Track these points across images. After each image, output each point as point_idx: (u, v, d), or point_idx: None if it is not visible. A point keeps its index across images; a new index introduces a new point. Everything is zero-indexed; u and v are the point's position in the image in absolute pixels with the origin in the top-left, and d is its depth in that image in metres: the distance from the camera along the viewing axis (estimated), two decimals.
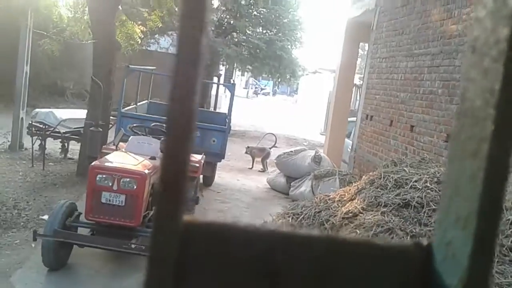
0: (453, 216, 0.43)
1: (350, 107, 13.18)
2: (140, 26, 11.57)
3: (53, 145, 9.28)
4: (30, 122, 9.03)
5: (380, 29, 8.87)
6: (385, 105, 8.09)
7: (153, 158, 5.48)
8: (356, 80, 14.30)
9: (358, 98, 14.79)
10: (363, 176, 4.91)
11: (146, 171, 4.98)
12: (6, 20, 11.08)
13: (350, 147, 9.81)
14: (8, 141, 9.41)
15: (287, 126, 20.77)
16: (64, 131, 8.91)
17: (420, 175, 3.94)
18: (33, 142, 8.57)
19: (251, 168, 11.22)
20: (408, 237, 3.28)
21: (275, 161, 9.71)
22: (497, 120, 0.38)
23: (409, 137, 6.92)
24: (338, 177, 7.84)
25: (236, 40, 18.87)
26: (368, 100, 9.01)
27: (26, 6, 9.39)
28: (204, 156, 7.07)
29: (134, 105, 9.39)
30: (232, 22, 18.33)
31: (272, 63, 19.05)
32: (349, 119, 11.27)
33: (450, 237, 0.44)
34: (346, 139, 10.84)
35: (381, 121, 8.15)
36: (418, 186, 3.74)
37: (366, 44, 11.36)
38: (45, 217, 5.32)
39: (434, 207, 3.48)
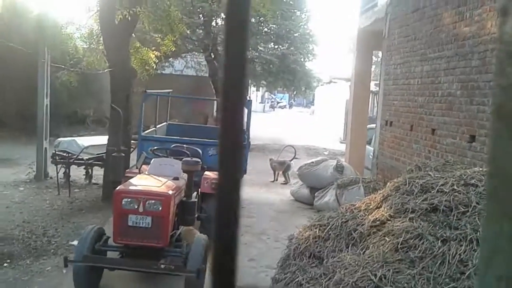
0: (494, 275, 0.43)
1: (368, 113, 13.12)
2: (154, 51, 11.77)
3: (77, 172, 9.45)
4: (54, 151, 9.22)
5: (392, 36, 8.86)
6: (404, 110, 8.04)
7: (176, 178, 5.53)
8: (372, 87, 14.24)
9: (375, 104, 14.72)
10: (388, 183, 4.86)
11: (170, 192, 5.03)
12: (24, 57, 11.42)
13: (371, 154, 9.74)
14: (34, 171, 9.61)
15: (306, 137, 20.74)
16: (87, 157, 9.07)
17: (446, 178, 3.89)
18: (58, 170, 8.74)
19: (273, 181, 11.22)
20: (439, 241, 3.23)
21: (297, 172, 9.69)
22: None
23: (431, 140, 6.85)
24: (362, 184, 7.79)
25: (249, 57, 19.00)
26: (386, 106, 8.97)
27: (42, 43, 9.67)
28: None
29: (154, 128, 9.51)
30: None
31: (286, 76, 19.12)
32: (369, 126, 11.21)
33: None
34: (367, 146, 10.77)
35: (401, 126, 8.09)
36: (445, 190, 3.69)
37: (380, 52, 11.35)
38: (75, 242, 5.40)
39: (463, 210, 3.43)
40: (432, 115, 6.88)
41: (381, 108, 9.29)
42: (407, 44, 8.04)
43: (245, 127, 6.72)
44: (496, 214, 0.43)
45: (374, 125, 10.03)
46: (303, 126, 26.93)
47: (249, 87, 24.64)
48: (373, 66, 15.45)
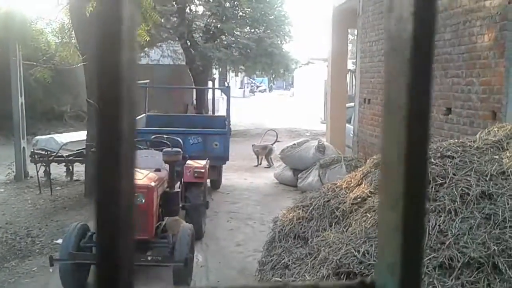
0: (384, 262, 0.45)
1: (347, 92, 13.18)
2: None
3: (58, 170, 9.33)
4: (32, 150, 9.06)
5: (366, 14, 8.87)
6: (381, 87, 8.08)
7: (158, 170, 5.52)
8: (350, 66, 14.29)
9: (354, 83, 14.78)
10: (368, 160, 4.92)
11: (153, 184, 5.02)
12: None
13: (352, 132, 9.82)
14: (13, 172, 9.47)
15: (287, 119, 20.79)
16: (66, 154, 8.96)
17: None
18: (38, 169, 8.61)
19: (257, 166, 11.26)
20: None
21: (279, 155, 9.73)
22: (408, 176, 0.41)
23: None
24: (344, 163, 7.86)
25: (226, 42, 18.87)
26: (364, 84, 9.02)
27: (12, 40, 9.44)
28: (208, 161, 7.10)
29: None
30: (219, 25, 18.32)
31: (264, 60, 19.04)
32: (348, 104, 11.28)
33: (384, 281, 0.45)
34: (347, 125, 10.85)
35: (380, 103, 8.15)
36: None
37: (355, 30, 11.37)
38: (59, 241, 5.36)
39: (440, 181, 3.49)
40: None
41: (359, 86, 9.34)
42: (381, 21, 8.06)
43: (225, 114, 6.71)
44: (383, 204, 0.45)
45: (353, 104, 10.09)
46: (284, 109, 26.96)
47: (227, 72, 24.53)
48: (350, 45, 15.46)
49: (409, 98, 0.41)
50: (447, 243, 2.89)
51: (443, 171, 3.52)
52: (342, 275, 2.95)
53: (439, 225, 3.07)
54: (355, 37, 15.62)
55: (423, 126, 0.41)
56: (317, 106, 22.47)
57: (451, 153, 3.68)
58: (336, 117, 11.30)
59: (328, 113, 12.24)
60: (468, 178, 3.34)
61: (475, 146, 3.77)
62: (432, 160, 3.63)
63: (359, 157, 8.41)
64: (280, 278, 3.74)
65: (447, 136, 5.45)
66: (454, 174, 3.43)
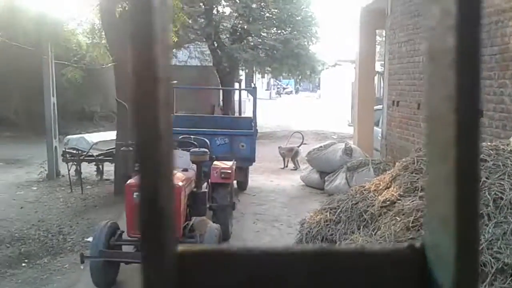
0: (436, 219, 0.44)
1: (375, 94, 13.05)
2: None
3: (88, 169, 9.53)
4: (64, 150, 9.29)
5: (395, 14, 8.76)
6: (411, 89, 7.98)
7: (185, 170, 5.56)
8: (378, 67, 14.13)
9: (382, 85, 14.62)
10: (396, 163, 4.86)
11: (181, 184, 5.06)
12: (28, 55, 11.45)
13: (380, 135, 9.71)
14: (45, 170, 9.70)
15: (314, 121, 20.69)
16: (97, 154, 9.14)
17: None
18: (69, 168, 8.82)
19: (283, 168, 11.25)
20: None
21: (306, 158, 9.69)
22: (459, 124, 0.39)
23: None
24: (372, 166, 7.78)
25: (252, 43, 18.92)
26: (392, 86, 8.91)
27: (45, 40, 9.68)
28: (235, 162, 7.13)
29: None
30: (245, 26, 18.38)
31: (291, 62, 19.00)
32: (376, 107, 11.15)
33: (436, 240, 0.44)
34: (375, 128, 10.73)
35: (409, 106, 8.04)
36: None
37: (383, 31, 11.24)
38: (90, 239, 5.47)
39: None
40: None
41: (387, 88, 9.23)
42: (411, 21, 7.94)
43: (251, 115, 6.72)
44: (432, 156, 0.44)
45: (381, 106, 9.98)
46: (310, 111, 26.84)
47: (253, 74, 24.57)
48: (378, 47, 15.30)
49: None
50: (480, 248, 2.83)
51: None
52: None
53: None
54: (383, 38, 15.44)
55: (473, 71, 0.40)
56: (344, 108, 22.28)
57: (483, 156, 3.60)
58: (364, 120, 11.19)
59: (355, 115, 12.13)
60: (502, 182, 3.26)
61: (509, 149, 3.68)
62: None
63: (387, 160, 8.30)
64: None
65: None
66: (487, 178, 3.35)
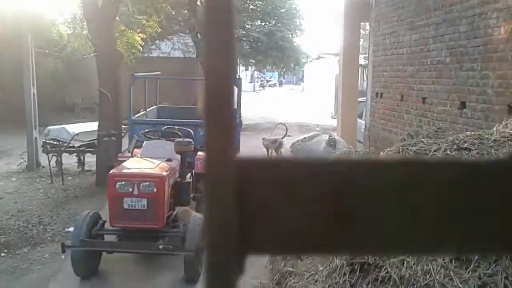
0: None
1: (359, 87, 13.10)
2: (140, 33, 11.59)
3: (69, 160, 9.39)
4: (44, 140, 9.14)
5: (379, 6, 8.78)
6: (394, 81, 8.02)
7: (169, 160, 5.52)
8: (361, 60, 14.19)
9: (365, 78, 14.71)
10: (381, 153, 4.88)
11: (165, 173, 5.03)
12: (7, 45, 11.20)
13: (363, 127, 9.76)
14: (25, 161, 9.54)
15: (298, 114, 20.73)
16: (78, 145, 9.01)
17: (439, 144, 3.89)
18: (50, 159, 8.67)
19: None
20: None
21: (289, 149, 9.69)
22: None
23: (422, 109, 6.86)
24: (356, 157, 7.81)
25: (236, 35, 18.83)
26: (376, 78, 8.95)
27: (25, 29, 9.47)
28: None
29: (144, 112, 9.43)
30: None
31: (275, 54, 18.99)
32: (359, 99, 11.21)
33: None
34: (359, 120, 10.79)
35: (392, 97, 8.08)
36: (439, 155, 3.70)
37: (367, 24, 11.28)
38: (71, 229, 5.39)
39: None
40: (422, 83, 6.88)
41: (371, 80, 9.27)
42: (395, 13, 7.97)
43: (236, 107, 6.64)
44: None
45: (364, 98, 10.02)
46: (294, 103, 26.89)
47: (237, 65, 24.48)
48: (361, 40, 15.35)
49: None
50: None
51: None
52: (356, 266, 2.92)
53: None
54: (366, 32, 15.49)
55: None
56: (328, 100, 22.37)
57: (468, 145, 3.63)
58: (348, 112, 11.23)
59: (339, 107, 12.17)
60: None
61: (492, 138, 3.72)
62: (449, 152, 3.59)
63: (371, 152, 8.35)
64: (292, 268, 3.73)
65: (462, 130, 5.38)
66: None
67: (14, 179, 8.81)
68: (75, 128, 9.72)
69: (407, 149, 4.15)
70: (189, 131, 6.81)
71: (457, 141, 3.73)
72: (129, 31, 11.06)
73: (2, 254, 5.31)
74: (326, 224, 0.47)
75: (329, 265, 3.12)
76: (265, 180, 0.46)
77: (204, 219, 0.45)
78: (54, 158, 8.88)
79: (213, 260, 0.44)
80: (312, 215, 0.46)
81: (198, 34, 17.84)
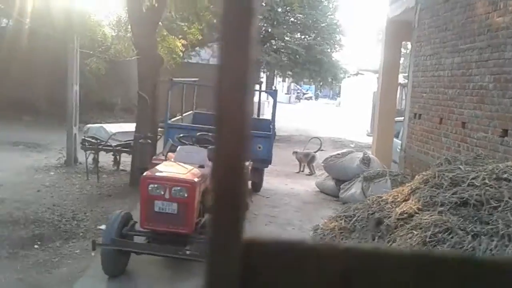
0: None
1: (396, 106, 12.93)
2: (181, 39, 11.81)
3: (105, 158, 9.61)
4: (83, 138, 9.40)
5: (422, 27, 8.68)
6: (433, 103, 7.89)
7: (201, 166, 5.54)
8: (401, 79, 14.01)
9: (403, 97, 14.51)
10: (416, 176, 4.80)
11: (196, 180, 5.06)
12: (54, 44, 11.62)
13: (399, 147, 9.61)
14: (64, 157, 9.82)
15: (332, 129, 20.59)
16: (115, 144, 9.21)
17: (477, 172, 3.80)
18: (87, 156, 8.91)
19: (298, 172, 11.22)
20: (469, 236, 3.17)
21: (322, 164, 9.63)
22: None
23: (461, 134, 6.71)
24: (389, 178, 7.70)
25: (275, 47, 18.93)
26: (415, 99, 8.82)
27: (71, 29, 9.80)
28: (251, 163, 7.13)
29: (180, 116, 9.58)
30: (270, 29, 18.40)
31: (313, 67, 18.96)
32: (396, 118, 11.05)
33: None
34: (395, 139, 10.63)
35: (430, 119, 7.94)
36: (476, 184, 3.61)
37: (409, 43, 11.15)
38: (103, 227, 5.51)
39: (494, 204, 3.35)
40: (463, 108, 6.73)
41: (410, 100, 9.14)
42: (438, 34, 7.86)
43: (271, 118, 6.67)
44: None
45: (402, 118, 9.88)
46: (329, 118, 26.72)
47: (274, 77, 24.57)
48: (402, 58, 15.17)
49: None
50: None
51: (498, 193, 3.38)
52: None
53: (490, 250, 2.95)
54: (407, 50, 15.29)
55: None
56: (364, 118, 22.14)
57: (507, 175, 3.53)
58: (384, 131, 11.09)
59: (375, 126, 12.03)
60: None
61: None
62: (487, 182, 3.50)
63: (406, 173, 8.21)
64: None
65: (502, 159, 5.23)
66: (510, 198, 3.29)
67: (52, 173, 9.08)
68: (113, 127, 9.95)
69: (444, 174, 4.07)
70: None
71: (497, 171, 3.64)
72: (171, 36, 11.29)
73: (35, 246, 5.47)
74: None
75: None
76: (272, 264, 0.44)
77: None
78: (91, 156, 9.12)
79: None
80: None
81: None
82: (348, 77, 24.55)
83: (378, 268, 0.43)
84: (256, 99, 19.52)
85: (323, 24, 19.62)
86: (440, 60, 7.68)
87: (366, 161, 8.82)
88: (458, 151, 6.58)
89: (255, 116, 17.97)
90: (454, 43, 7.17)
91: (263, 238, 0.45)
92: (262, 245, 0.44)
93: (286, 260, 0.44)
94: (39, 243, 5.55)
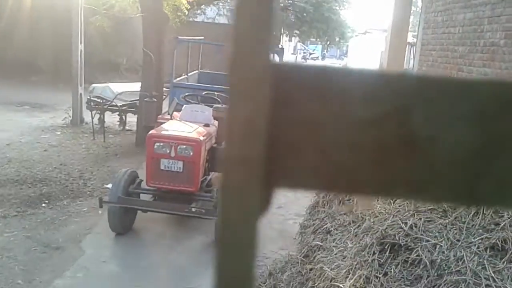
0: None
1: (405, 66, 12.72)
2: None
3: (111, 118, 9.63)
4: (89, 97, 9.39)
5: None
6: (442, 61, 7.73)
7: (207, 125, 5.55)
8: (410, 38, 13.71)
9: (412, 57, 14.24)
10: None
11: (201, 138, 5.07)
12: (57, 1, 11.42)
13: None
14: (70, 117, 9.84)
15: None
16: (120, 104, 9.20)
17: None
18: (93, 116, 8.93)
19: None
20: None
21: None
22: None
23: None
24: None
25: (282, 4, 18.51)
26: (424, 57, 8.65)
27: None
28: None
29: (185, 76, 9.49)
30: None
31: (320, 26, 18.60)
32: None
33: None
34: None
35: None
36: None
37: (419, 0, 10.83)
38: (109, 185, 5.56)
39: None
40: (472, 65, 6.60)
41: (418, 59, 8.97)
42: None
43: None
44: None
45: None
46: None
47: (280, 36, 24.17)
48: (411, 17, 14.81)
49: None
50: (502, 224, 2.77)
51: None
52: (387, 245, 2.90)
53: None
54: (418, 8, 14.89)
55: None
56: None
57: None
58: None
59: None
60: None
61: None
62: None
63: None
64: (321, 242, 3.74)
65: None
66: None
67: (59, 132, 9.13)
68: (118, 87, 9.91)
69: None
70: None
71: None
72: None
73: (43, 205, 5.55)
74: (385, 153, 0.37)
75: (358, 242, 3.11)
76: (306, 90, 0.37)
77: (226, 130, 0.37)
78: (97, 116, 9.13)
79: (230, 194, 0.36)
80: (368, 140, 0.37)
81: None
82: (355, 36, 24.11)
83: (445, 96, 0.36)
84: None
85: None
86: (452, 16, 7.47)
87: None
88: None
89: None
90: None
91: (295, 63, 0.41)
92: (295, 68, 0.39)
93: (326, 85, 0.38)
94: (46, 201, 5.64)
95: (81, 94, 9.97)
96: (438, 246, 2.59)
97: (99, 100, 9.21)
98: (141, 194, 5.10)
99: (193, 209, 4.73)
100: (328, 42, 21.38)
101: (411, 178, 0.38)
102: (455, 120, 0.37)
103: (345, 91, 0.38)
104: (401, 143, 0.37)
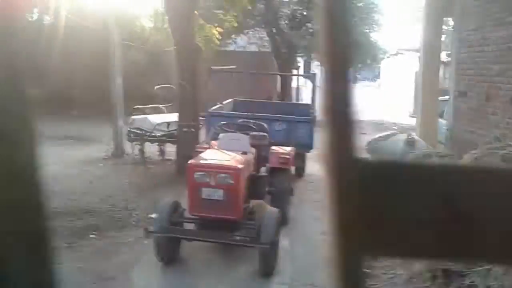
0: None
1: (440, 85, 12.57)
2: (217, 27, 11.87)
3: (151, 149, 9.87)
4: (129, 129, 9.67)
5: (464, 0, 8.38)
6: (479, 80, 7.64)
7: (244, 153, 5.60)
8: (443, 57, 13.59)
9: (446, 76, 14.10)
10: (464, 155, 4.70)
11: (240, 166, 5.14)
12: (92, 37, 11.88)
13: (444, 127, 9.38)
14: (111, 148, 10.14)
15: (373, 111, 20.24)
16: (159, 134, 9.44)
17: None
18: (133, 147, 9.18)
19: None
20: None
21: (365, 147, 9.52)
22: None
23: (510, 110, 6.49)
24: (437, 159, 7.53)
25: (311, 30, 18.70)
26: (459, 76, 8.56)
27: (111, 22, 10.01)
28: (294, 148, 7.13)
29: (221, 104, 9.68)
30: (305, 13, 18.20)
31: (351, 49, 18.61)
32: (440, 98, 10.76)
33: None
34: (440, 119, 10.36)
35: (476, 97, 7.71)
36: None
37: (449, 19, 10.78)
38: (154, 215, 5.69)
39: None
40: (511, 84, 6.50)
41: (454, 78, 8.88)
42: (481, 7, 7.58)
43: (310, 102, 6.61)
44: None
45: (446, 97, 9.62)
46: (370, 101, 26.24)
47: (311, 61, 24.32)
48: (443, 36, 14.70)
49: None
50: None
51: None
52: (438, 272, 2.87)
53: None
54: (449, 27, 14.77)
55: None
56: (405, 99, 21.62)
57: None
58: (428, 111, 10.80)
59: (419, 106, 11.74)
60: None
61: None
62: None
63: (453, 153, 8.00)
64: (368, 269, 3.72)
65: None
66: None
67: (101, 164, 9.42)
68: (156, 118, 10.19)
69: (494, 153, 3.98)
70: (264, 125, 6.92)
71: None
72: (208, 25, 11.37)
73: (92, 236, 5.72)
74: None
75: (408, 269, 3.09)
76: (388, 182, 0.47)
77: (329, 220, 0.47)
78: (138, 147, 9.39)
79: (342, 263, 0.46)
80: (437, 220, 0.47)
81: (274, 29, 17.93)
82: (387, 57, 23.98)
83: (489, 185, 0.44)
84: (294, 84, 19.46)
85: (360, 4, 19.19)
86: (484, 35, 7.41)
87: (410, 143, 8.64)
88: (507, 128, 6.37)
89: (294, 101, 17.94)
90: (498, 16, 6.90)
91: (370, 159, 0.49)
92: (376, 163, 0.48)
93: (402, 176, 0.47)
94: (95, 232, 5.80)
95: (121, 126, 10.29)
96: (492, 272, 2.55)
97: (139, 132, 9.48)
98: (184, 223, 5.19)
99: (237, 237, 4.76)
100: (359, 65, 21.35)
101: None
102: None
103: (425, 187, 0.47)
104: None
